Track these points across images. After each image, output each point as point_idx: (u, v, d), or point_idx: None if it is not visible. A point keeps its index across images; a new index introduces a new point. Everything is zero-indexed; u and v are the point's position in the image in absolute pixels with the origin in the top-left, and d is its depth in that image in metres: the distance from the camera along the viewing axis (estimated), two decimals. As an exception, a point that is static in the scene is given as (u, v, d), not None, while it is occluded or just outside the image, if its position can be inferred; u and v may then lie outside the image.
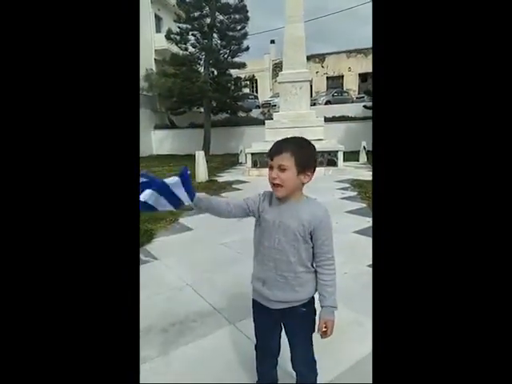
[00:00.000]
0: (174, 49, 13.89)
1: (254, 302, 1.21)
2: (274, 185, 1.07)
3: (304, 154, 1.07)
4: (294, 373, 1.25)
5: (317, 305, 1.17)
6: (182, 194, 1.00)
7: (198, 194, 1.08)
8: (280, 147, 1.06)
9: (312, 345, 1.20)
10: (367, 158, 9.97)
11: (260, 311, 1.19)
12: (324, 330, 1.10)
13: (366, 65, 22.91)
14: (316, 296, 1.16)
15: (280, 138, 1.11)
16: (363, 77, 23.84)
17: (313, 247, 1.11)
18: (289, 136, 1.13)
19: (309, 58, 18.07)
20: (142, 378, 1.50)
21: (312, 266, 1.14)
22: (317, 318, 1.15)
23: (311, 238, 1.09)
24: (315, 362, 1.22)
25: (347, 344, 1.71)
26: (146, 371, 1.55)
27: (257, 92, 24.39)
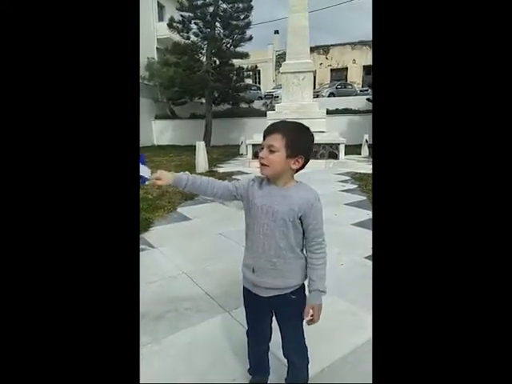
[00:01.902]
0: (177, 38, 13.71)
1: (245, 289, 1.20)
2: (261, 164, 1.05)
3: (296, 138, 1.04)
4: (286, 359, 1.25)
5: (307, 292, 1.16)
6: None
7: (178, 174, 1.10)
8: (273, 128, 1.04)
9: (303, 332, 1.19)
10: (369, 152, 9.90)
11: (250, 298, 1.18)
12: (311, 317, 1.08)
13: (371, 57, 22.61)
14: (306, 283, 1.15)
15: None
16: (368, 69, 23.53)
17: (303, 232, 1.09)
18: None
19: (313, 50, 17.86)
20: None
21: (301, 251, 1.12)
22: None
23: (301, 224, 1.08)
24: (306, 349, 1.22)
25: (340, 333, 1.70)
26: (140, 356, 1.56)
27: (259, 83, 24.15)
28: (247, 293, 1.19)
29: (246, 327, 1.28)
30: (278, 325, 1.20)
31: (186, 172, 1.13)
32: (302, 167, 1.08)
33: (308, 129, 1.09)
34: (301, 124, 1.08)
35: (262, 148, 1.06)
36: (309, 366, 1.24)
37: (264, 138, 1.05)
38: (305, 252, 1.13)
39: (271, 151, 1.02)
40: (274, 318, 1.22)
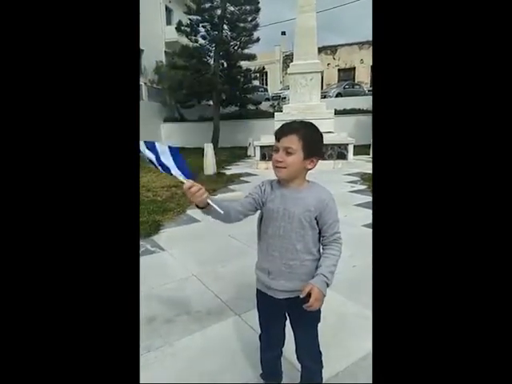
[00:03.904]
0: (185, 41, 13.82)
1: (258, 291, 1.19)
2: (276, 167, 1.03)
3: (312, 139, 1.03)
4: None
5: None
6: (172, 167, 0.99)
7: (210, 202, 0.99)
8: (289, 129, 1.02)
9: (317, 336, 1.17)
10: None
11: (264, 301, 1.16)
12: (308, 297, 0.96)
13: (379, 57, 22.32)
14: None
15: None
16: (376, 69, 23.29)
17: (319, 232, 1.08)
18: None
19: (320, 50, 17.73)
20: (146, 367, 1.50)
21: (318, 252, 1.10)
22: (322, 309, 1.12)
23: (317, 223, 1.06)
24: (321, 354, 1.20)
25: (353, 338, 1.68)
26: (150, 360, 1.55)
27: (267, 84, 24.13)
28: (261, 295, 1.17)
29: (258, 330, 1.27)
30: (292, 328, 1.18)
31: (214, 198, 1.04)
32: (314, 167, 1.07)
33: (318, 128, 1.08)
34: (313, 124, 1.07)
35: (276, 150, 1.04)
36: (322, 371, 1.22)
37: (278, 140, 1.03)
38: (321, 250, 1.11)
39: (288, 153, 1.00)
40: (287, 322, 1.20)
